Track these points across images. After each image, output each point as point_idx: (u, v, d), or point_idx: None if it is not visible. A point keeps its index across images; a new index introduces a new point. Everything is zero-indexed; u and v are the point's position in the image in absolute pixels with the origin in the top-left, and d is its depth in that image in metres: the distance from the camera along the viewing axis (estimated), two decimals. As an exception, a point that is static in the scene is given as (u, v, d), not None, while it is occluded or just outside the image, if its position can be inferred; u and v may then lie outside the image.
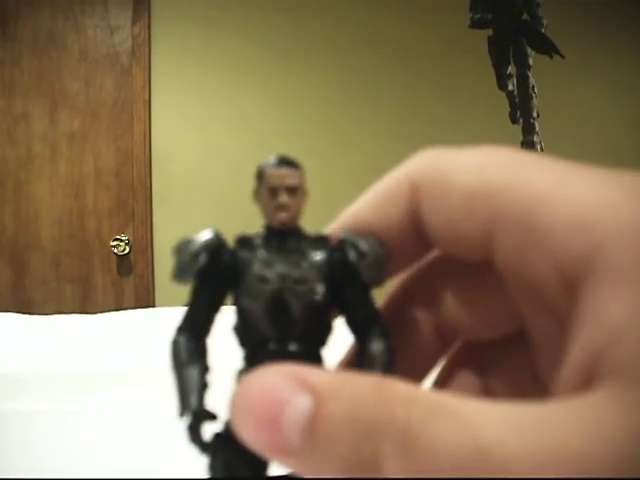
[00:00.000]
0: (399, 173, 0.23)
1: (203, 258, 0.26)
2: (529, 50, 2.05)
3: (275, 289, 0.25)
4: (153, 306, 2.71)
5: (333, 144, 2.83)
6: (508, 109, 2.11)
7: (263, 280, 0.25)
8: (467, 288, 0.24)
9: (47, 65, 2.78)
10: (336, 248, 0.26)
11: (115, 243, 2.75)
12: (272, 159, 0.27)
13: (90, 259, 2.77)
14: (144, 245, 2.76)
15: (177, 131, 2.81)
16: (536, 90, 2.07)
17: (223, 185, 2.80)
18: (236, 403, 0.18)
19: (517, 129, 2.08)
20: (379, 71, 2.89)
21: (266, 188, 0.26)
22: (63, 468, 0.60)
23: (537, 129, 2.07)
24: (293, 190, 0.26)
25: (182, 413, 0.25)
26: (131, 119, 2.78)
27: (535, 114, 2.08)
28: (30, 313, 1.68)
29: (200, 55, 2.83)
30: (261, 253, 0.26)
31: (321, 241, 0.26)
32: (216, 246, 0.26)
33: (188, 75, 2.82)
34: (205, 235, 0.26)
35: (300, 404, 0.16)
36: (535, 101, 2.07)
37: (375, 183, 0.26)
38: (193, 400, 0.25)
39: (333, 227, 0.25)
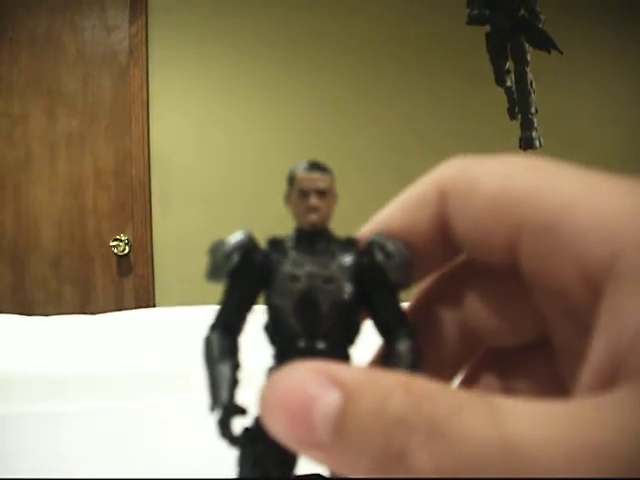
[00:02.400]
0: (429, 179, 0.24)
1: (236, 258, 0.26)
2: (527, 46, 2.05)
3: (304, 287, 0.25)
4: (153, 306, 2.71)
5: (333, 142, 2.83)
6: (506, 105, 2.11)
7: (293, 279, 0.26)
8: (492, 294, 0.24)
9: (45, 65, 2.78)
10: (364, 250, 0.26)
11: (115, 243, 2.75)
12: (303, 163, 0.27)
13: (90, 259, 2.77)
14: (144, 245, 2.76)
15: (175, 131, 2.81)
16: (534, 86, 2.07)
17: (221, 185, 2.80)
18: (266, 398, 0.18)
19: (516, 125, 2.08)
20: (375, 67, 2.89)
21: (297, 191, 0.27)
22: (62, 471, 0.60)
23: (536, 125, 2.06)
24: (323, 193, 0.26)
25: (213, 407, 0.26)
26: (129, 119, 2.78)
27: (534, 110, 2.08)
28: (30, 314, 1.68)
29: (197, 55, 2.83)
30: (292, 254, 0.26)
31: (350, 243, 0.27)
32: (249, 247, 0.27)
33: (186, 75, 2.82)
34: (238, 236, 0.27)
35: (329, 399, 0.17)
36: (533, 97, 2.07)
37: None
38: (224, 395, 0.26)
39: (363, 231, 0.26)
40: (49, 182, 2.76)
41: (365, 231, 0.26)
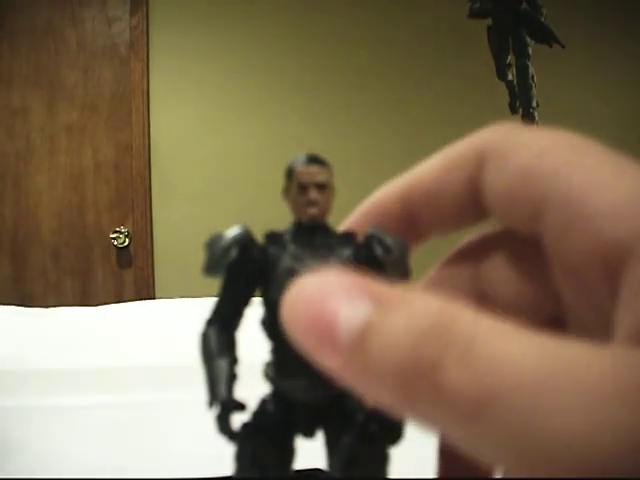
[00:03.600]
0: (470, 141, 0.24)
1: (234, 252, 0.26)
2: (529, 40, 2.05)
3: None
4: (153, 298, 2.71)
5: (333, 130, 2.83)
6: (508, 99, 2.10)
7: (292, 273, 0.25)
8: (513, 268, 0.25)
9: (45, 57, 2.78)
10: (363, 244, 0.27)
11: (115, 235, 2.75)
12: (302, 157, 0.28)
13: (90, 251, 2.77)
14: (144, 237, 2.76)
15: (176, 123, 2.80)
16: (535, 80, 2.07)
17: (222, 177, 2.80)
18: (291, 297, 0.17)
19: (517, 119, 2.07)
20: (372, 58, 2.88)
21: (296, 185, 0.27)
22: (62, 466, 0.59)
23: (537, 119, 2.06)
24: (322, 187, 0.27)
25: (211, 403, 0.26)
26: (130, 111, 2.78)
27: (534, 104, 2.07)
28: (30, 305, 1.68)
29: (198, 46, 2.82)
30: (290, 248, 0.26)
31: (348, 237, 0.27)
32: (246, 241, 0.27)
33: (186, 67, 2.81)
34: (235, 230, 0.27)
35: (359, 306, 0.16)
36: (534, 91, 2.07)
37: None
38: (222, 390, 0.25)
39: (398, 183, 0.26)
40: (49, 174, 2.76)
41: (399, 184, 0.26)
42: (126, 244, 2.75)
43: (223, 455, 0.29)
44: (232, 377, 0.26)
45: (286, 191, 0.28)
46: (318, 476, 0.34)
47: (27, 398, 0.72)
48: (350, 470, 0.28)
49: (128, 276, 2.78)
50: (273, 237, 0.27)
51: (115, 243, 2.75)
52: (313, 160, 0.28)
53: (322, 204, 0.27)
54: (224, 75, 2.83)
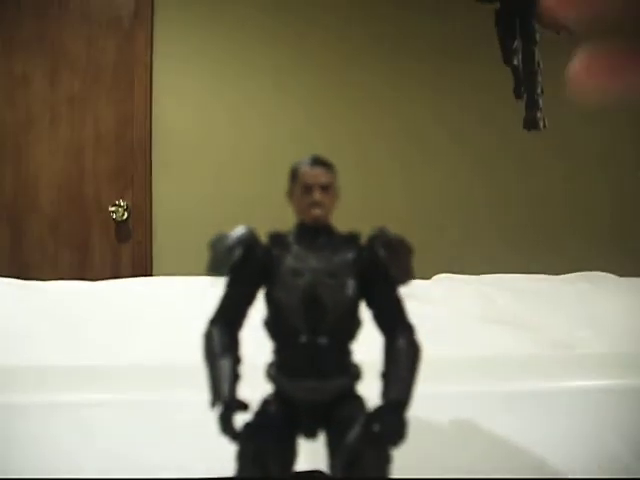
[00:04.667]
0: None
1: (238, 252, 0.26)
2: (536, 25, 2.03)
3: (308, 282, 0.25)
4: (151, 273, 2.72)
5: (335, 114, 2.82)
6: (513, 84, 2.09)
7: (297, 273, 0.26)
8: None
9: (48, 26, 2.75)
10: (366, 246, 0.27)
11: (114, 208, 2.74)
12: (306, 159, 0.28)
13: (88, 224, 2.77)
14: (143, 211, 2.76)
15: (178, 96, 2.79)
16: (542, 66, 2.05)
17: (224, 151, 2.79)
18: None
19: (521, 104, 2.06)
20: (384, 45, 2.86)
21: (300, 186, 0.28)
22: (62, 461, 0.59)
23: (541, 105, 2.05)
24: (326, 188, 0.27)
25: (214, 403, 0.26)
26: (132, 83, 2.76)
27: (539, 90, 2.06)
28: (27, 276, 1.68)
29: (203, 19, 2.80)
30: (294, 249, 0.27)
31: (351, 238, 0.27)
32: (250, 241, 0.27)
33: (190, 39, 2.79)
34: (240, 230, 0.27)
35: None
36: (540, 77, 2.05)
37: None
38: (225, 390, 0.26)
39: None
40: (49, 144, 2.75)
41: None
42: (125, 218, 2.75)
43: (224, 455, 0.29)
44: (235, 377, 0.26)
45: (290, 192, 0.29)
46: (318, 478, 0.34)
47: (27, 394, 0.70)
48: (352, 471, 0.28)
49: (126, 250, 2.78)
50: (277, 238, 0.27)
51: (114, 216, 2.75)
52: (318, 162, 0.28)
53: (326, 205, 0.27)
54: (228, 47, 2.81)
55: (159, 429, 0.62)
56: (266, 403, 0.28)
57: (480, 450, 0.56)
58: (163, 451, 0.58)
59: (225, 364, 0.26)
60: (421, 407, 0.41)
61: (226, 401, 0.26)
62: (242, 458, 0.26)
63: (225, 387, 0.26)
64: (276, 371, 0.27)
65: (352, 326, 0.28)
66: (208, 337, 0.26)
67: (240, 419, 0.26)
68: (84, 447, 0.60)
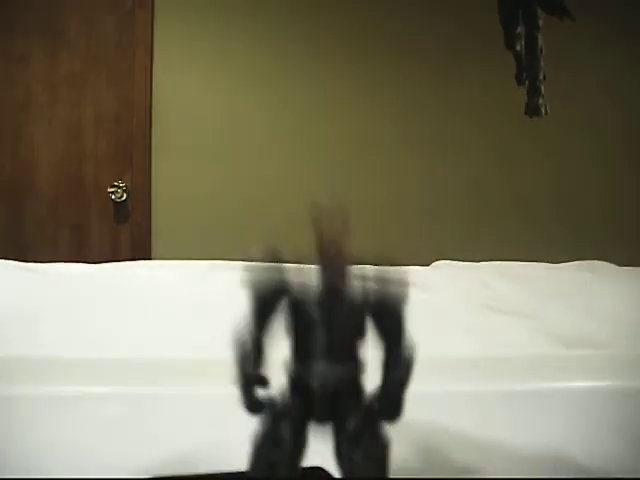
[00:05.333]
0: None
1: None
2: (539, 11, 2.01)
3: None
4: (149, 255, 2.72)
5: (338, 98, 2.81)
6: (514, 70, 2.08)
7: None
8: None
9: (49, 6, 2.73)
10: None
11: (113, 189, 2.74)
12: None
13: (87, 205, 2.76)
14: (142, 193, 2.75)
15: (178, 78, 2.77)
16: (544, 52, 2.04)
17: (223, 134, 2.78)
18: None
19: (522, 91, 2.06)
20: (387, 30, 2.85)
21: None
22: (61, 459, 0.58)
23: (543, 92, 2.04)
24: None
25: (237, 377, 0.28)
26: (132, 64, 2.74)
27: (542, 76, 2.05)
28: (25, 257, 1.68)
29: (205, 0, 2.77)
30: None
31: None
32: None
33: (191, 21, 2.77)
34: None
35: None
36: (542, 63, 2.04)
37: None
38: (249, 364, 0.27)
39: None
40: (49, 125, 2.73)
41: None
42: (124, 199, 2.75)
43: (231, 448, 0.29)
44: (261, 357, 0.28)
45: None
46: (319, 474, 0.35)
47: (29, 386, 0.70)
48: (354, 449, 0.30)
49: (124, 231, 2.78)
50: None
51: (113, 197, 2.74)
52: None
53: None
54: (230, 31, 2.79)
55: (159, 422, 0.62)
56: (281, 389, 0.29)
57: (481, 450, 0.56)
58: (164, 445, 0.58)
59: (251, 344, 0.27)
60: (421, 407, 0.41)
61: (248, 373, 0.27)
62: (256, 440, 0.28)
63: (249, 362, 0.27)
64: (292, 359, 0.28)
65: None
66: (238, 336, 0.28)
67: (260, 394, 0.28)
68: (85, 441, 0.60)
